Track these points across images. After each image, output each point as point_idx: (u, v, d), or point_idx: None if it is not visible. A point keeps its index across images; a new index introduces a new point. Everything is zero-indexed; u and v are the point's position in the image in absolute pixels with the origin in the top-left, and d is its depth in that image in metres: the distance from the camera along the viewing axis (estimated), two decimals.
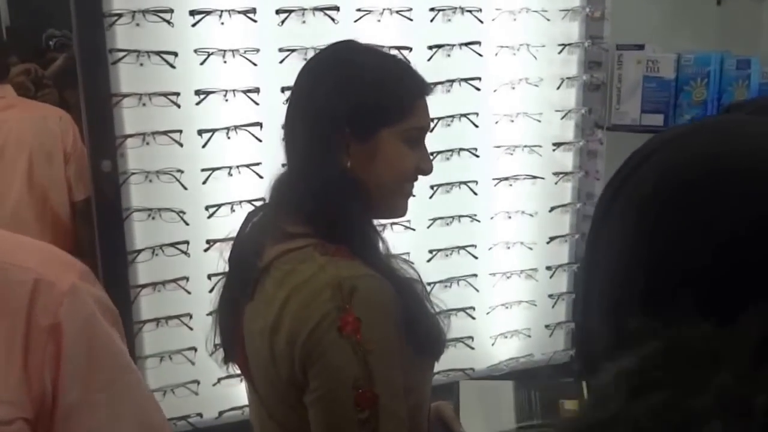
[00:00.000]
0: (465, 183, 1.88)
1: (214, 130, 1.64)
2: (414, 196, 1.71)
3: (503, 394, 1.64)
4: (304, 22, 1.64)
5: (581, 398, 1.60)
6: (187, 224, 1.66)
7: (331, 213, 0.84)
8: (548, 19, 1.87)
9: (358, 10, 1.69)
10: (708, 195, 0.36)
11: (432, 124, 1.66)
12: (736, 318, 0.27)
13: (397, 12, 1.71)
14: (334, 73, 0.87)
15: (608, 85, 1.93)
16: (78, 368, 0.63)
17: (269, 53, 1.62)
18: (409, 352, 0.84)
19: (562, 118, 1.95)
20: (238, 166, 1.67)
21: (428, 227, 1.85)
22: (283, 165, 0.94)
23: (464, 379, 1.81)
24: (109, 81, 1.54)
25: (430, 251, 1.87)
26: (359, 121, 0.84)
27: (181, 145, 1.62)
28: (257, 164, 1.66)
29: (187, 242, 1.67)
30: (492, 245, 1.94)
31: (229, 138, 1.65)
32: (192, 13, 1.58)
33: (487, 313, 1.96)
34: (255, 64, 1.64)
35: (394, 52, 1.62)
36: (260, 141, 1.65)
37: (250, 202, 1.66)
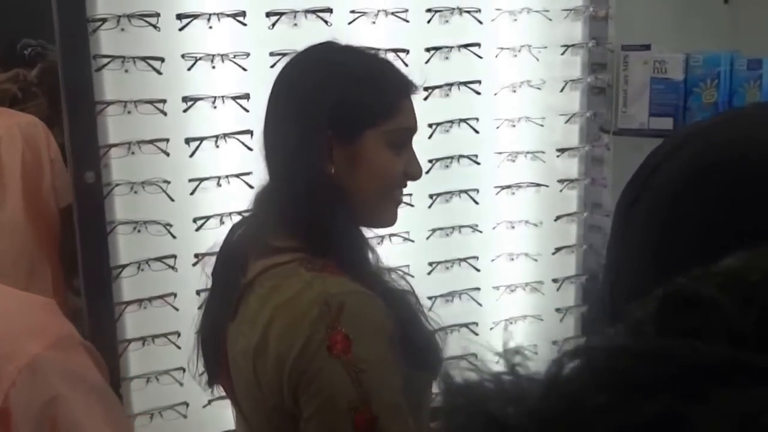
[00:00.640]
0: (465, 191, 1.90)
1: (202, 139, 1.66)
2: (412, 205, 1.80)
3: None
4: (295, 25, 1.67)
5: None
6: (174, 237, 1.67)
7: (316, 224, 0.85)
8: (550, 20, 1.89)
9: (352, 11, 1.71)
10: (751, 176, 0.38)
11: (430, 130, 1.84)
12: None
13: (393, 13, 1.74)
14: (312, 74, 0.88)
15: (614, 87, 1.96)
16: None
17: (260, 58, 1.63)
18: (405, 369, 0.85)
19: (566, 122, 1.98)
20: (227, 176, 1.68)
21: (427, 238, 1.87)
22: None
23: None
24: (92, 88, 1.55)
25: (430, 264, 1.89)
26: (342, 122, 0.85)
27: (168, 155, 1.63)
28: (248, 174, 1.66)
29: (174, 256, 1.68)
30: (495, 257, 1.96)
31: (218, 146, 1.67)
32: (179, 16, 1.60)
33: (491, 329, 1.97)
34: (245, 70, 1.65)
35: (389, 54, 1.68)
36: (250, 150, 1.63)
37: (240, 213, 1.59)
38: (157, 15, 1.58)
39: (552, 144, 1.96)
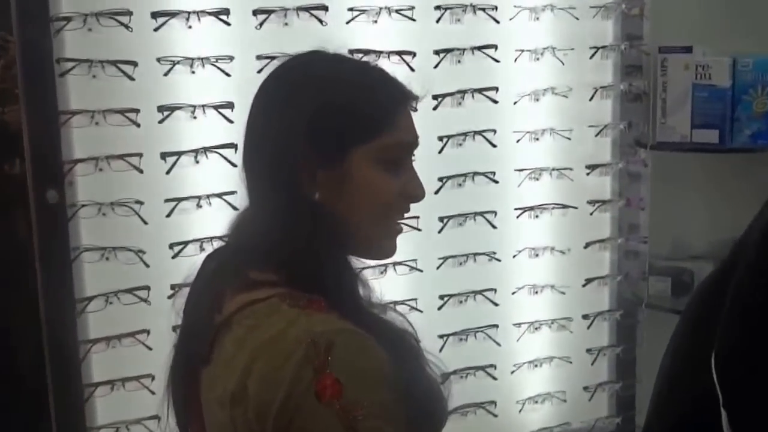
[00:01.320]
0: (481, 214, 1.87)
1: (180, 153, 1.62)
2: (419, 230, 1.76)
3: None
4: (286, 24, 1.64)
5: None
6: (148, 266, 1.63)
7: (299, 256, 0.82)
8: (577, 18, 1.87)
9: (351, 9, 1.68)
10: None
11: (441, 144, 1.80)
12: None
13: (397, 11, 1.72)
14: (291, 87, 0.86)
15: (651, 95, 1.93)
16: None
17: (245, 62, 1.61)
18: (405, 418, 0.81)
19: (597, 135, 1.96)
20: (208, 196, 1.65)
21: (438, 268, 1.84)
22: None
23: None
24: (56, 96, 1.52)
25: (441, 297, 1.86)
26: (325, 141, 0.83)
27: (141, 172, 1.60)
28: (231, 193, 1.61)
29: (147, 288, 1.64)
30: (515, 289, 1.93)
31: (197, 162, 1.64)
32: (154, 15, 1.57)
33: (512, 373, 1.93)
34: (228, 75, 1.63)
35: (393, 58, 1.72)
36: (235, 166, 1.61)
37: (222, 239, 1.60)
38: (130, 13, 1.55)
39: (581, 160, 1.94)
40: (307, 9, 1.64)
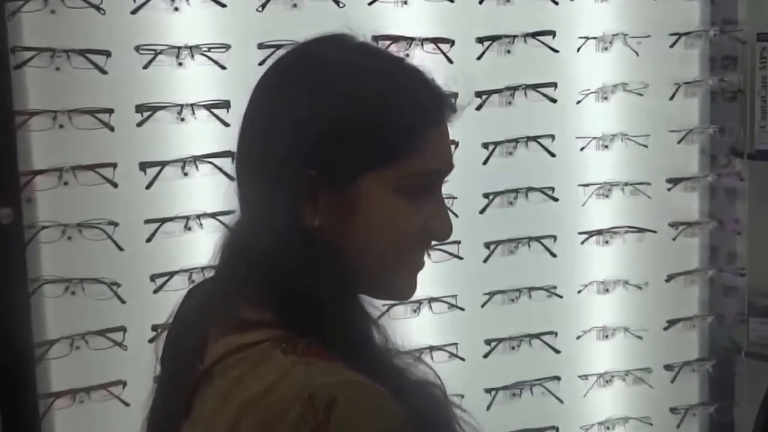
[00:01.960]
0: (537, 239, 1.79)
1: (163, 164, 1.55)
2: (461, 257, 1.73)
3: None
4: (294, 5, 1.57)
5: None
6: (123, 302, 1.56)
7: (296, 291, 0.80)
8: None
9: None
10: None
11: (486, 152, 1.74)
12: None
13: None
14: (297, 85, 0.82)
15: (747, 93, 1.82)
16: None
17: (244, 51, 1.54)
18: None
19: (680, 141, 1.86)
20: (199, 216, 1.57)
21: (483, 305, 1.77)
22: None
23: None
24: (10, 93, 1.44)
25: (488, 342, 1.79)
26: (331, 159, 0.80)
27: (116, 186, 1.53)
28: (227, 213, 1.45)
29: (123, 329, 1.57)
30: (581, 333, 1.86)
31: (185, 174, 1.57)
32: None
33: None
34: (223, 68, 1.56)
35: (427, 47, 1.65)
36: (232, 179, 1.49)
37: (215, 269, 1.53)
38: None
39: (660, 172, 1.85)
40: None
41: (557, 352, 1.83)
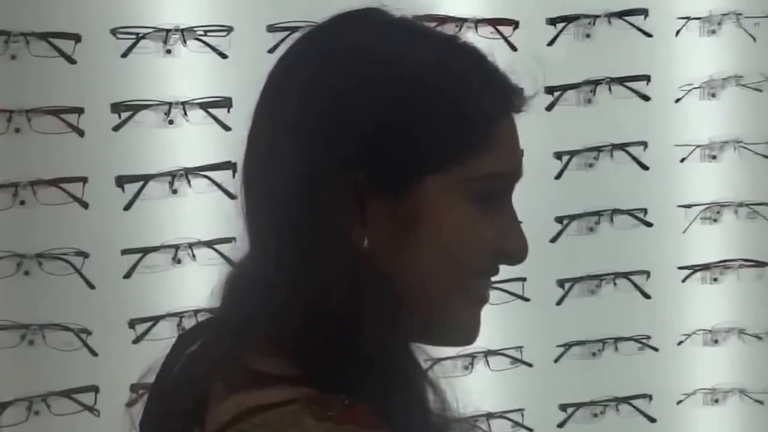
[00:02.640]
0: (625, 276, 1.72)
1: (146, 178, 1.50)
2: (527, 299, 1.69)
3: None
4: None
5: None
6: (95, 354, 1.50)
7: (333, 338, 0.74)
8: None
9: None
10: None
11: (559, 165, 1.69)
12: None
13: None
14: (330, 75, 0.78)
15: None
16: None
17: (250, 35, 1.51)
18: None
19: None
20: (191, 245, 1.53)
21: (557, 360, 1.70)
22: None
23: None
24: None
25: (562, 407, 1.71)
26: (383, 161, 0.75)
27: (86, 206, 1.49)
28: (226, 241, 1.50)
29: (94, 389, 1.50)
30: (682, 396, 1.75)
31: (174, 192, 1.52)
32: None
33: None
34: (224, 56, 1.51)
35: (483, 30, 1.61)
36: (232, 197, 1.40)
37: (211, 311, 1.45)
38: None
39: None
40: None
41: (652, 420, 1.76)
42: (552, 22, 1.63)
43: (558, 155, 1.65)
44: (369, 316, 0.75)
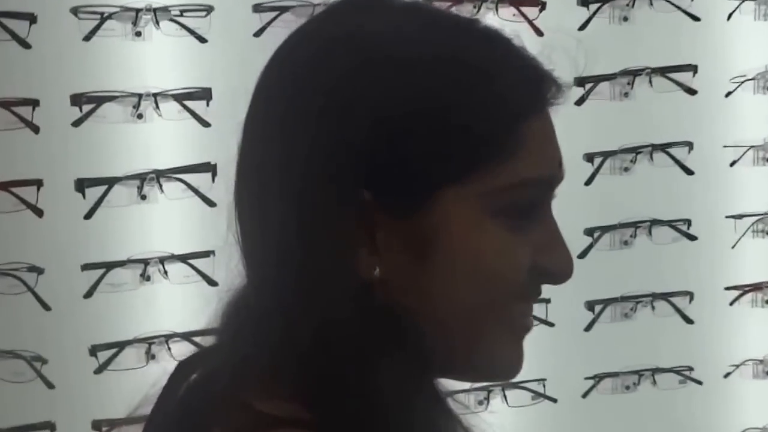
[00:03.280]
0: (665, 297, 1.67)
1: (112, 182, 1.48)
2: (551, 324, 1.71)
3: None
4: None
5: None
6: (51, 386, 1.46)
7: (344, 380, 0.72)
8: None
9: None
10: None
11: (591, 168, 1.69)
12: None
13: None
14: (327, 75, 0.75)
15: None
16: None
17: (233, 16, 1.49)
18: None
19: None
20: (162, 260, 1.51)
21: (585, 395, 1.67)
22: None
23: None
24: None
25: None
26: (388, 174, 0.72)
27: (40, 214, 1.45)
28: (203, 255, 1.50)
29: (50, 426, 1.47)
30: None
31: (143, 198, 1.49)
32: None
33: None
34: (203, 40, 1.48)
35: (505, 10, 1.61)
36: (212, 205, 1.48)
37: (189, 337, 1.49)
38: None
39: None
40: None
41: None
42: (584, 2, 1.60)
43: (589, 157, 1.62)
44: (381, 355, 0.72)
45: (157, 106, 1.47)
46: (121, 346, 1.48)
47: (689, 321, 1.68)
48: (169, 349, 1.50)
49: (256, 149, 0.77)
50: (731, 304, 1.71)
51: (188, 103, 1.49)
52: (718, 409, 1.75)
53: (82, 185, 1.46)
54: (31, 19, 1.41)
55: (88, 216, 1.46)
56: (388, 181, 0.72)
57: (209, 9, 1.47)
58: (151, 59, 1.48)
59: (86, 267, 1.46)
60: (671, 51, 1.65)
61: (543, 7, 1.57)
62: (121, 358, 1.48)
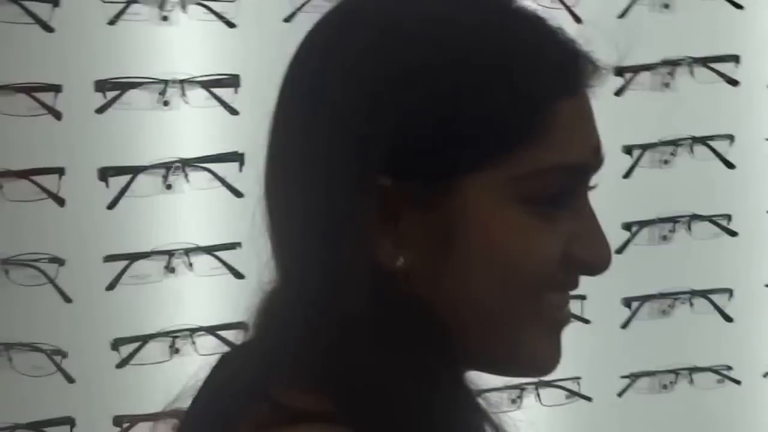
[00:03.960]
0: (704, 294, 1.66)
1: (136, 170, 1.47)
2: (586, 320, 1.74)
3: None
4: None
5: None
6: (72, 380, 1.44)
7: (366, 373, 0.72)
8: None
9: None
10: None
11: (630, 161, 1.71)
12: None
13: None
14: (350, 59, 0.74)
15: None
16: None
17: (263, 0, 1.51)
18: None
19: None
20: (187, 252, 1.49)
21: (621, 394, 1.66)
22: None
23: None
24: None
25: None
26: (409, 160, 0.72)
27: (62, 203, 1.44)
28: (230, 247, 1.49)
29: (70, 421, 1.45)
30: None
31: (169, 188, 1.48)
32: None
33: None
34: (232, 25, 1.48)
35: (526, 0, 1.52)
36: (239, 195, 1.47)
37: (215, 331, 1.49)
38: None
39: None
40: None
41: None
42: None
43: (627, 149, 1.61)
44: (404, 348, 0.71)
45: (184, 93, 1.46)
46: (144, 339, 1.48)
47: (728, 319, 1.68)
48: (194, 343, 1.50)
49: (280, 140, 0.77)
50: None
51: (216, 90, 1.48)
52: (757, 409, 1.73)
53: (105, 174, 1.45)
54: (54, 1, 1.40)
55: (112, 206, 1.45)
56: (410, 169, 0.71)
57: None
58: (178, 45, 1.47)
59: (109, 258, 1.46)
60: (713, 40, 1.65)
61: None
62: (144, 352, 1.48)
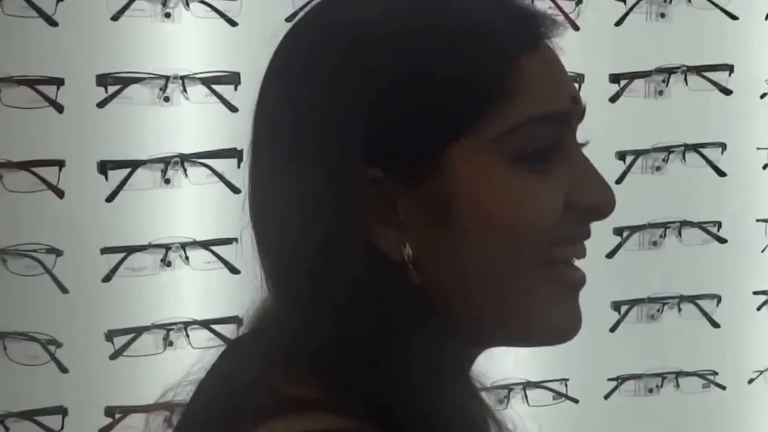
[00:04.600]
0: (692, 300, 1.68)
1: (135, 164, 1.49)
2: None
3: None
4: None
5: None
6: (65, 370, 1.47)
7: (358, 361, 0.73)
8: None
9: None
10: None
11: (622, 166, 1.68)
12: None
13: None
14: (325, 45, 0.75)
15: None
16: None
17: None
18: None
19: None
20: (184, 246, 1.51)
21: (607, 396, 1.68)
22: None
23: None
24: None
25: None
26: (393, 144, 0.73)
27: (61, 195, 1.46)
28: (227, 241, 1.51)
29: (62, 411, 1.47)
30: None
31: (167, 182, 1.50)
32: None
33: None
34: (233, 23, 1.49)
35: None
36: (236, 191, 1.46)
37: (209, 325, 1.51)
38: None
39: None
40: None
41: None
42: None
43: (621, 155, 1.63)
44: (409, 334, 0.72)
45: (184, 89, 1.48)
46: (138, 331, 1.49)
47: (716, 325, 1.69)
48: (188, 336, 1.51)
49: (263, 141, 0.77)
50: (759, 308, 1.71)
51: (216, 87, 1.50)
52: (741, 414, 1.75)
53: (104, 167, 1.47)
54: None
55: (110, 199, 1.47)
56: (393, 154, 0.73)
57: None
58: (180, 41, 1.49)
59: (106, 250, 1.47)
60: (708, 49, 1.66)
61: (579, 0, 1.57)
62: (137, 344, 1.49)
